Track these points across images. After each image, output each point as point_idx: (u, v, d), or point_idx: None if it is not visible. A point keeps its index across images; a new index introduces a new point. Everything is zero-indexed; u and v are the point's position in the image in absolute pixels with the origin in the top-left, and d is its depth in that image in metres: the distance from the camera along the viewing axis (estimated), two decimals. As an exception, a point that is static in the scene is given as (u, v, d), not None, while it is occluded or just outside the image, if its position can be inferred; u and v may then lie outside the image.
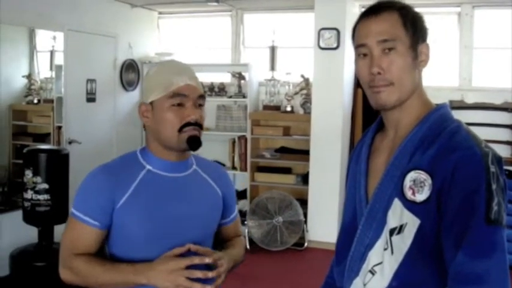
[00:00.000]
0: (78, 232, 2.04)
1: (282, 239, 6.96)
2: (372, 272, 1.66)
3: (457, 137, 1.59)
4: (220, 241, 2.33)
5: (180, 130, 2.03)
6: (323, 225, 7.14)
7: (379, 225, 1.66)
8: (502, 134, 6.54)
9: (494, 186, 1.49)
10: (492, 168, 1.51)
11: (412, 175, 1.59)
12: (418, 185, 1.57)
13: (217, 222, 2.26)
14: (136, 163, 2.11)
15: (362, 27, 1.72)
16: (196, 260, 1.92)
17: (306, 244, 7.13)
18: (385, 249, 1.63)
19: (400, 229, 1.59)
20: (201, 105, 2.09)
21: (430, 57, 1.70)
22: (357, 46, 1.73)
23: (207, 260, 1.94)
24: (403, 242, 1.58)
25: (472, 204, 1.49)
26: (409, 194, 1.59)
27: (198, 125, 2.06)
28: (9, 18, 5.89)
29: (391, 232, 1.61)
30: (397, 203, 1.61)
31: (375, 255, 1.66)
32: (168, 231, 2.04)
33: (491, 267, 1.47)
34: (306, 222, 7.11)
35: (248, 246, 6.98)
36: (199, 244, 2.05)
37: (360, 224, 1.73)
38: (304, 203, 7.21)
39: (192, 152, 2.18)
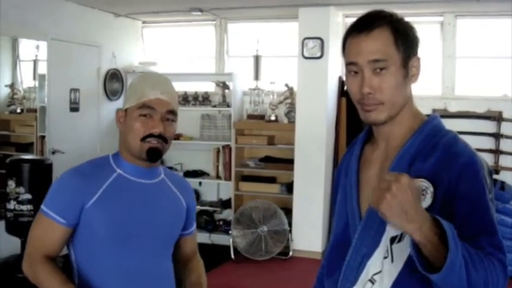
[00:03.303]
0: (45, 228, 2.12)
1: (267, 248, 6.96)
2: (372, 281, 1.66)
3: (457, 146, 1.62)
4: (179, 254, 2.43)
5: (143, 140, 2.11)
6: (308, 234, 7.15)
7: (377, 234, 1.66)
8: (486, 143, 6.58)
9: (490, 196, 1.56)
10: (488, 179, 1.58)
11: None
12: (420, 193, 1.57)
13: (179, 232, 2.35)
14: (108, 167, 2.19)
15: (353, 44, 1.69)
16: None
17: (290, 253, 7.12)
18: (385, 257, 1.63)
19: (401, 237, 1.60)
20: (170, 120, 2.17)
21: (420, 70, 1.70)
22: (348, 63, 1.71)
23: None
24: (403, 250, 1.59)
25: (477, 209, 1.55)
26: None
27: (162, 138, 2.13)
28: (-8, 28, 5.86)
29: (392, 240, 1.62)
30: None
31: (374, 264, 1.66)
32: (131, 235, 2.12)
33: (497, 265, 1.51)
34: (290, 231, 7.10)
35: (233, 256, 6.97)
36: (159, 250, 2.19)
37: (356, 234, 1.73)
38: (288, 212, 7.20)
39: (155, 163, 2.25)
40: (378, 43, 1.65)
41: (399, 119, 1.71)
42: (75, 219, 2.09)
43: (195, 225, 2.49)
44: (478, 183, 1.54)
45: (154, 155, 2.13)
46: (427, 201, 1.56)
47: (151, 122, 2.11)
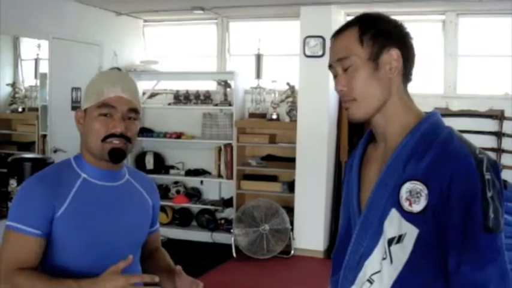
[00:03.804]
0: (18, 244, 1.97)
1: (269, 247, 6.95)
2: (370, 281, 1.66)
3: (451, 145, 1.59)
4: (144, 251, 2.33)
5: (104, 140, 2.03)
6: (309, 233, 7.15)
7: (375, 234, 1.66)
8: (488, 141, 6.56)
9: (490, 194, 1.51)
10: (487, 176, 1.52)
11: (408, 186, 1.59)
12: (415, 195, 1.57)
13: (147, 230, 2.29)
14: (71, 171, 2.10)
15: (330, 49, 1.78)
16: (147, 278, 1.91)
17: (292, 252, 7.12)
18: (384, 258, 1.63)
19: (399, 239, 1.60)
20: (132, 118, 2.08)
21: (401, 62, 1.68)
22: (328, 66, 1.78)
23: (157, 279, 1.92)
24: (403, 252, 1.59)
25: (470, 215, 1.50)
26: (406, 205, 1.59)
27: (125, 138, 2.04)
28: (-7, 27, 5.86)
29: (390, 242, 1.61)
30: (394, 214, 1.61)
31: (372, 264, 1.66)
32: (104, 241, 2.05)
33: (492, 275, 1.49)
34: (292, 230, 7.10)
35: (235, 255, 6.97)
36: (130, 252, 2.04)
37: (353, 233, 1.73)
38: (290, 210, 7.20)
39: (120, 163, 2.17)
40: (343, 43, 1.71)
41: (389, 116, 1.71)
42: (49, 228, 1.98)
43: (158, 222, 2.43)
44: (469, 189, 1.51)
45: (117, 156, 2.05)
46: (421, 204, 1.56)
47: (111, 121, 2.03)
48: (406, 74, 1.72)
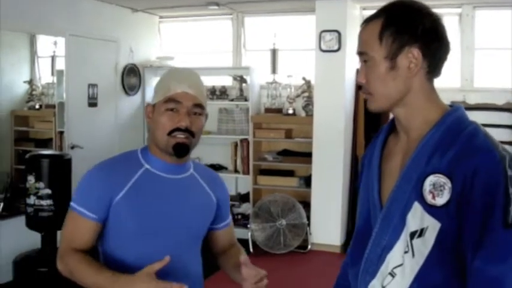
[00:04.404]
0: (76, 224, 2.12)
1: (285, 242, 6.96)
2: (392, 274, 1.65)
3: (476, 140, 1.58)
4: (216, 248, 2.43)
5: (170, 134, 2.11)
6: (326, 227, 7.14)
7: (397, 228, 1.65)
8: (504, 135, 6.50)
9: (511, 190, 1.50)
10: (510, 172, 1.51)
11: (431, 179, 1.58)
12: (438, 188, 1.56)
13: (207, 226, 2.33)
14: (136, 161, 2.19)
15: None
16: (176, 286, 1.92)
17: (309, 247, 7.12)
18: (406, 252, 1.62)
19: (421, 232, 1.59)
20: (197, 114, 2.15)
21: (421, 61, 1.65)
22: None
23: None
24: (425, 246, 1.58)
25: (490, 210, 1.49)
26: (429, 198, 1.58)
27: (189, 132, 2.12)
28: (10, 24, 5.90)
29: (412, 235, 1.61)
30: (417, 207, 1.61)
31: (394, 257, 1.66)
32: (158, 230, 2.13)
33: (508, 272, 1.48)
34: (309, 224, 7.10)
35: (251, 250, 6.98)
36: (187, 244, 2.19)
37: (375, 227, 1.73)
38: (307, 205, 7.20)
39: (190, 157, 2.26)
40: (364, 36, 1.71)
41: (412, 109, 1.70)
42: (105, 213, 2.10)
43: (229, 219, 2.47)
44: (491, 183, 1.49)
45: (181, 150, 2.12)
46: (444, 197, 1.55)
47: (177, 116, 2.10)
48: (432, 70, 1.69)
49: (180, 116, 2.10)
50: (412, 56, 1.64)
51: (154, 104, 2.17)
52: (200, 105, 2.15)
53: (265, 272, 2.18)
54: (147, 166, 2.17)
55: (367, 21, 1.71)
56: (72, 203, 2.15)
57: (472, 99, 6.78)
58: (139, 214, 2.10)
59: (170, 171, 2.19)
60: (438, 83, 1.74)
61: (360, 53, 1.71)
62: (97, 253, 2.20)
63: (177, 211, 2.17)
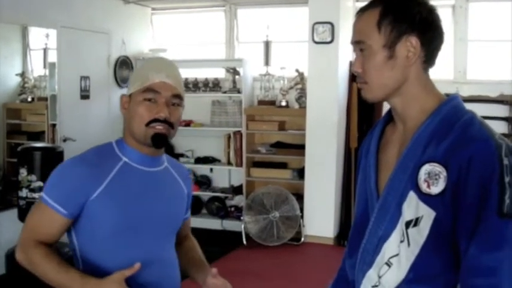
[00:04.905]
0: (44, 217, 2.05)
1: (279, 234, 6.96)
2: (388, 264, 1.65)
3: (472, 128, 1.58)
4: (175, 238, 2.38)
5: (148, 125, 2.05)
6: (319, 219, 7.14)
7: (393, 217, 1.65)
8: (498, 127, 6.53)
9: (507, 179, 1.49)
10: (505, 161, 1.51)
11: (426, 168, 1.58)
12: (433, 177, 1.56)
13: (182, 219, 2.33)
14: (113, 154, 2.13)
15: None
16: None
17: (302, 239, 7.13)
18: (402, 241, 1.62)
19: (416, 222, 1.59)
20: (175, 104, 2.10)
21: (419, 50, 1.65)
22: (351, 44, 1.77)
23: None
24: (420, 235, 1.58)
25: (485, 198, 1.49)
26: (424, 186, 1.58)
27: (168, 123, 2.06)
28: (2, 17, 5.87)
29: (407, 224, 1.61)
30: (412, 196, 1.61)
31: (390, 247, 1.66)
32: (138, 226, 2.08)
33: (503, 260, 1.48)
34: (302, 217, 7.11)
35: (245, 242, 6.98)
36: (166, 238, 2.17)
37: (372, 217, 1.73)
38: (300, 197, 7.20)
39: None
40: (361, 24, 1.70)
41: (408, 99, 1.70)
42: (77, 210, 2.03)
43: (189, 211, 2.47)
44: (486, 171, 1.49)
45: (160, 141, 2.07)
46: (439, 186, 1.55)
47: (156, 106, 2.05)
48: (428, 59, 1.70)
49: (158, 107, 2.05)
50: (410, 45, 1.64)
51: (131, 94, 2.11)
52: (179, 96, 2.11)
53: (230, 286, 2.16)
54: (125, 159, 2.11)
55: (363, 10, 1.70)
56: (43, 194, 2.07)
57: (465, 91, 6.78)
58: (118, 211, 2.04)
59: (147, 163, 2.15)
60: (431, 75, 1.74)
61: (357, 42, 1.69)
62: (70, 245, 2.14)
63: (157, 205, 2.14)
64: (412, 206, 1.60)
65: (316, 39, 6.98)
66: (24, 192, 5.22)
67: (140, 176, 2.12)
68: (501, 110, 6.69)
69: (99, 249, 2.06)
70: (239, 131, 7.65)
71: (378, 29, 1.65)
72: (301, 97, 7.39)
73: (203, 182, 8.07)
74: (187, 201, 2.35)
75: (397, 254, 1.63)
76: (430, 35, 1.67)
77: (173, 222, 2.25)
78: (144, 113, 2.05)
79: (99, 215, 2.03)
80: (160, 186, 2.17)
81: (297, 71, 7.37)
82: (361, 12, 1.71)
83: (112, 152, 2.14)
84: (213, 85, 7.92)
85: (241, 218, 7.14)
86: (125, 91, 7.44)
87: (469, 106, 1.68)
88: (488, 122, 1.66)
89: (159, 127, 2.05)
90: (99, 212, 2.02)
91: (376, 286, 1.69)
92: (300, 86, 7.41)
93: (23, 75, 6.71)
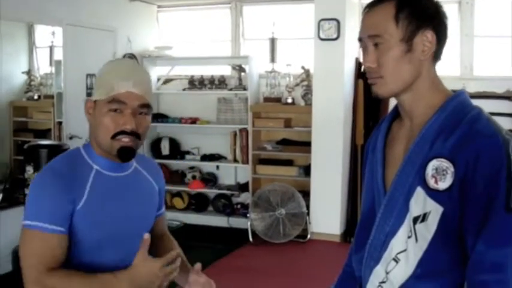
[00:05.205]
0: (43, 244, 1.88)
1: (285, 231, 6.96)
2: (396, 260, 1.65)
3: (479, 124, 1.58)
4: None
5: (114, 137, 1.95)
6: (326, 216, 7.13)
7: (401, 213, 1.65)
8: (504, 123, 6.46)
9: None
10: None
11: (434, 163, 1.58)
12: (441, 173, 1.56)
13: (155, 216, 2.25)
14: (83, 162, 2.03)
15: (361, 21, 1.73)
16: (171, 256, 1.93)
17: (308, 236, 7.12)
18: (409, 237, 1.62)
19: (423, 217, 1.59)
20: (143, 114, 1.99)
21: (435, 44, 1.66)
22: (358, 39, 1.74)
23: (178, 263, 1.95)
24: (427, 230, 1.58)
25: (492, 193, 1.49)
26: (431, 182, 1.57)
27: (135, 135, 1.96)
28: (8, 14, 5.87)
29: (415, 220, 1.61)
30: (419, 192, 1.60)
31: (398, 242, 1.65)
32: (119, 231, 2.02)
33: (510, 255, 1.48)
34: (308, 214, 7.10)
35: (251, 239, 6.98)
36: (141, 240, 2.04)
37: (379, 212, 1.73)
38: (306, 194, 7.19)
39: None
40: (376, 18, 1.67)
41: (417, 95, 1.69)
42: (69, 223, 1.91)
43: (164, 207, 2.39)
44: (494, 167, 1.49)
45: (127, 155, 1.98)
46: (447, 181, 1.54)
47: (122, 117, 1.94)
48: (438, 55, 1.70)
49: (124, 118, 1.94)
50: (426, 39, 1.65)
51: (95, 100, 1.99)
52: (147, 105, 1.99)
53: (214, 284, 2.15)
54: (96, 167, 2.02)
55: (375, 4, 1.68)
56: (27, 222, 1.89)
57: (471, 88, 6.75)
58: (102, 220, 1.96)
59: (117, 169, 2.06)
60: (437, 71, 1.73)
61: (371, 36, 1.66)
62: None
63: (133, 209, 2.07)
64: (419, 202, 1.60)
65: (322, 36, 6.97)
66: (30, 190, 5.22)
67: (113, 183, 2.04)
68: (508, 106, 6.66)
69: (79, 261, 1.98)
70: (245, 128, 7.64)
71: (395, 22, 1.64)
72: (307, 94, 7.37)
73: (209, 180, 8.06)
74: (159, 198, 2.27)
75: (404, 250, 1.63)
76: (442, 29, 1.68)
77: (149, 222, 2.18)
78: (110, 124, 1.94)
79: (81, 228, 1.94)
80: (131, 190, 2.10)
81: (302, 67, 7.36)
82: (372, 6, 1.69)
83: (82, 159, 2.03)
84: (219, 82, 7.91)
85: (248, 215, 7.14)
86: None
87: (475, 102, 1.68)
88: (495, 118, 1.66)
89: (125, 139, 1.95)
90: (81, 224, 1.93)
91: (384, 282, 1.69)
92: (305, 83, 7.39)
93: (29, 73, 6.72)
